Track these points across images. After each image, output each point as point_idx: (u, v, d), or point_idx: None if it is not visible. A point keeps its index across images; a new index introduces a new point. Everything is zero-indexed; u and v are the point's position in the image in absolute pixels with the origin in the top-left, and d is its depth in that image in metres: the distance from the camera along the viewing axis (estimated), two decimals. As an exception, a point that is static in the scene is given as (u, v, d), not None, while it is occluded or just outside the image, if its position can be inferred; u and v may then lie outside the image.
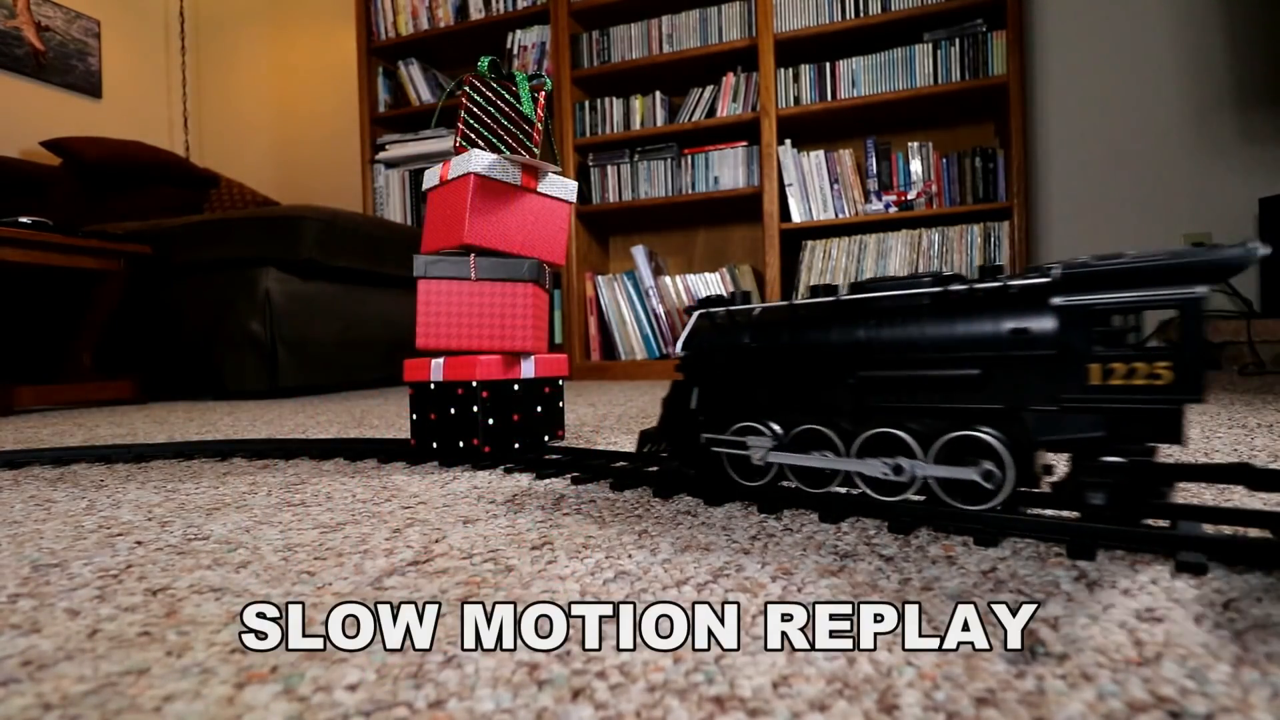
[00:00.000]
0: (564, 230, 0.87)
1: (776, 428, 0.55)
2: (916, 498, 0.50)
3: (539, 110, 0.86)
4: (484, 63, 0.85)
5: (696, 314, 0.61)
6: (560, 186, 0.86)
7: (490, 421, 0.78)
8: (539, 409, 0.83)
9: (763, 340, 0.55)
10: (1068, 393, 0.42)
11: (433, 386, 0.82)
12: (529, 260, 0.82)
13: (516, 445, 0.81)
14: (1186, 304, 0.38)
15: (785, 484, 0.56)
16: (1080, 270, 0.41)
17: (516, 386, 0.81)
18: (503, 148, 0.85)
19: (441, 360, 0.81)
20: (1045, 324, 0.43)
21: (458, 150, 0.83)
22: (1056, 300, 0.42)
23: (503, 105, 0.85)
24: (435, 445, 0.81)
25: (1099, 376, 0.41)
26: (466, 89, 0.84)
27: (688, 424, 0.60)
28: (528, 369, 0.82)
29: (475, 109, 0.84)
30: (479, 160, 0.79)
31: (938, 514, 0.46)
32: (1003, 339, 0.44)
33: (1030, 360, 0.43)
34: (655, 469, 0.67)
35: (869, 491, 0.50)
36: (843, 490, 0.53)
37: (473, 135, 0.84)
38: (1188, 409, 0.38)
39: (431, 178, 0.85)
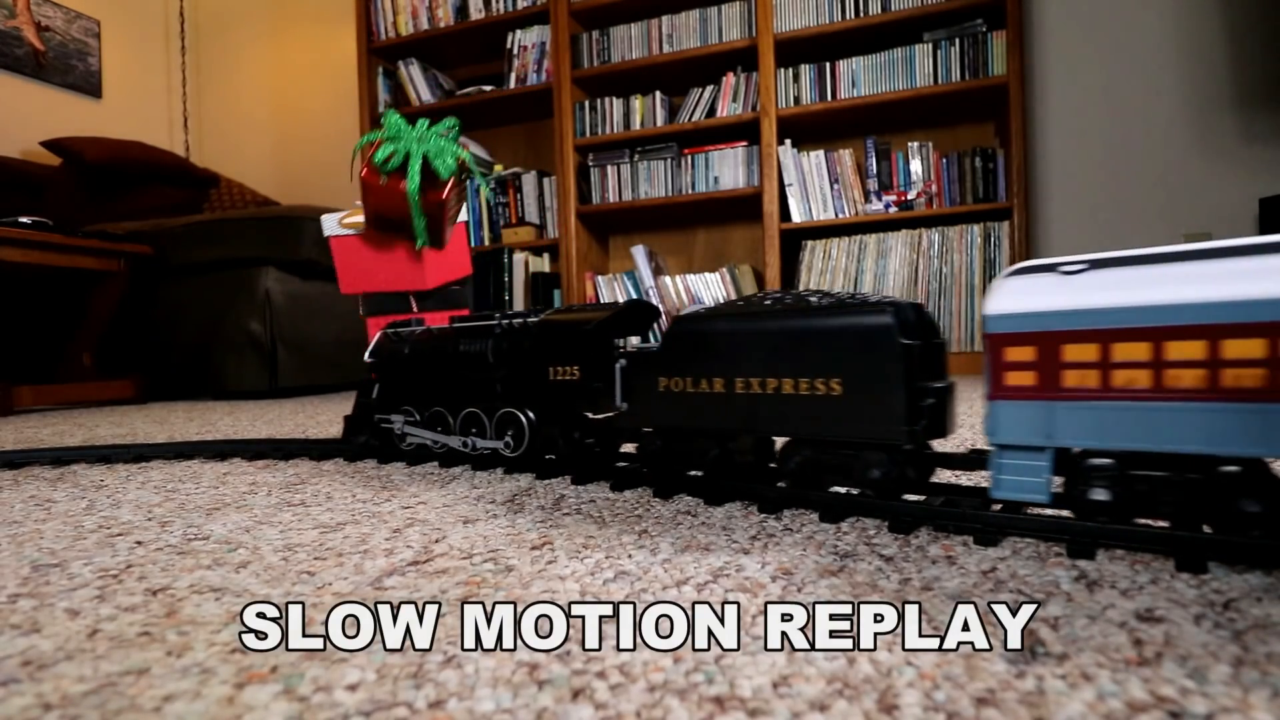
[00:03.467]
0: (464, 247, 0.94)
1: (418, 412, 0.79)
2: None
3: (447, 194, 0.82)
4: (392, 120, 0.80)
5: (381, 331, 0.85)
6: None
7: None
8: None
9: (412, 350, 0.80)
10: (543, 385, 0.67)
11: None
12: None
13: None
14: (581, 334, 0.64)
15: (415, 442, 0.79)
16: (553, 312, 0.69)
17: None
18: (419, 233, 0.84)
19: None
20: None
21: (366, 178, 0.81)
22: (536, 330, 0.68)
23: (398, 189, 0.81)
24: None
25: (553, 375, 0.66)
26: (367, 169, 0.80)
27: (370, 410, 0.84)
28: None
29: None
30: (329, 224, 0.88)
31: (938, 513, 0.46)
32: (519, 353, 0.69)
33: (527, 366, 0.69)
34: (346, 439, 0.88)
35: (465, 451, 0.74)
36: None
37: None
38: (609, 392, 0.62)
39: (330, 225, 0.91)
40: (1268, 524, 0.37)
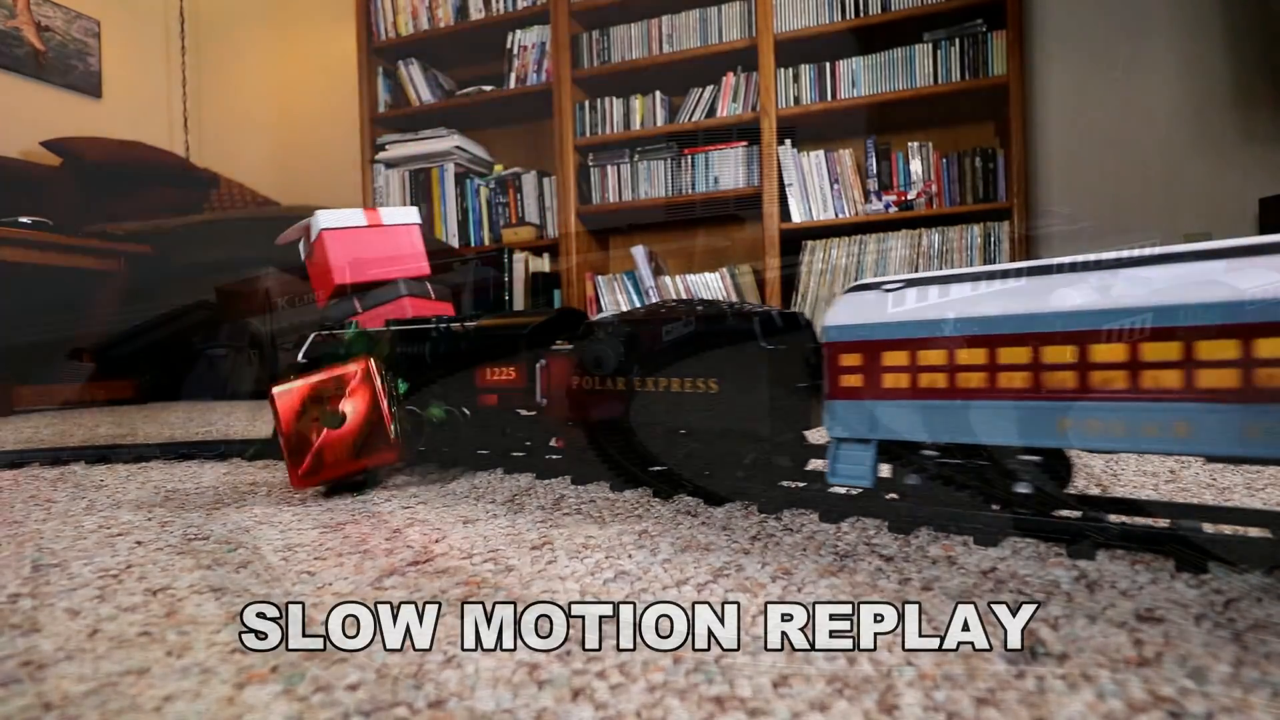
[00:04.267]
0: (419, 249, 0.97)
1: None
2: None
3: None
4: None
5: (313, 335, 0.89)
6: (400, 215, 0.95)
7: None
8: None
9: (347, 352, 0.79)
10: (483, 383, 0.73)
11: None
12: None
13: None
14: (519, 338, 0.69)
15: None
16: (488, 317, 0.76)
17: None
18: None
19: None
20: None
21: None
22: (473, 334, 0.73)
23: None
24: None
25: (490, 375, 0.72)
26: None
27: None
28: None
29: None
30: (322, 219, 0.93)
31: (938, 514, 0.46)
32: (457, 354, 0.74)
33: (464, 367, 0.74)
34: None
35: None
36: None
37: None
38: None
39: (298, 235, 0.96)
40: (1037, 503, 0.44)
